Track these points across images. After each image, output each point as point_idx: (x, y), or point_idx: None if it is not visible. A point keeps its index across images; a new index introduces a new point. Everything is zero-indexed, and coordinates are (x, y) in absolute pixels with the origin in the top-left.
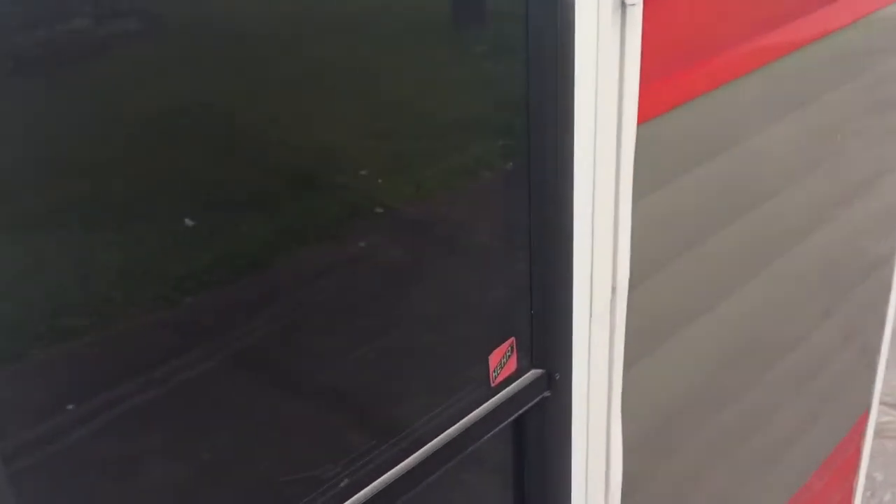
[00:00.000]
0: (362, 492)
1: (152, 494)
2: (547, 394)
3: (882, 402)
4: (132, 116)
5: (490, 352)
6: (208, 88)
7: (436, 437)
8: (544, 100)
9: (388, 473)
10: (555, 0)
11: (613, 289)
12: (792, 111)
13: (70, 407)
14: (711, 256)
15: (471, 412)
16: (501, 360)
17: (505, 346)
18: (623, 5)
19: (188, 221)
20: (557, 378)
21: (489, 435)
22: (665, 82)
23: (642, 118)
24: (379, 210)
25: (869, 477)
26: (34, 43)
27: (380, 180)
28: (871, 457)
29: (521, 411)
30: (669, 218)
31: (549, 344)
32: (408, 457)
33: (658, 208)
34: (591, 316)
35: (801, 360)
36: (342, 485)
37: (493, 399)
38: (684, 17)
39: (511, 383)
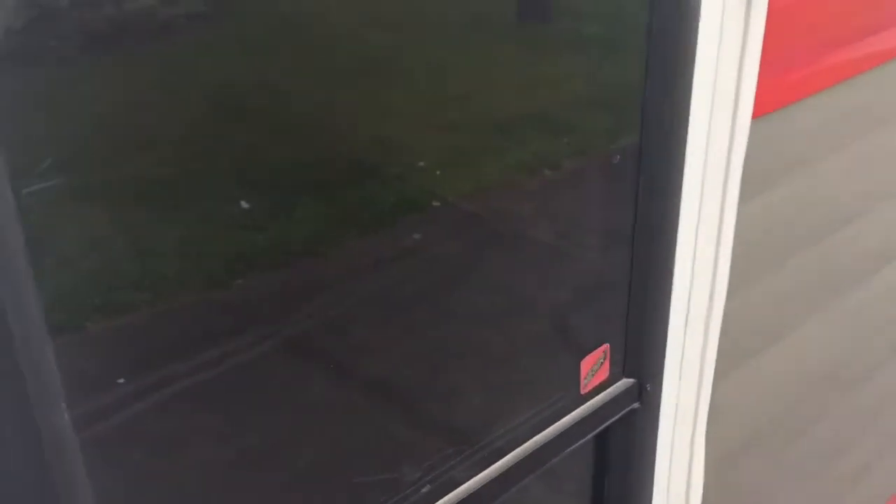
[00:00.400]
0: (444, 498)
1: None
2: (636, 405)
3: None
4: (195, 97)
5: (582, 357)
6: (272, 73)
7: (522, 444)
8: (661, 89)
9: (472, 481)
10: None
11: (711, 296)
12: None
13: (121, 381)
14: (808, 269)
15: (558, 420)
16: (593, 366)
17: (598, 352)
18: None
19: (244, 204)
20: (648, 389)
21: (575, 445)
22: (783, 76)
23: (756, 113)
24: (466, 206)
25: None
26: (101, 19)
27: (447, 172)
28: None
29: (608, 422)
30: (771, 224)
31: (643, 352)
32: (493, 464)
33: (761, 213)
34: (686, 323)
35: (882, 384)
36: (424, 490)
37: (581, 407)
38: (809, 7)
39: (601, 392)
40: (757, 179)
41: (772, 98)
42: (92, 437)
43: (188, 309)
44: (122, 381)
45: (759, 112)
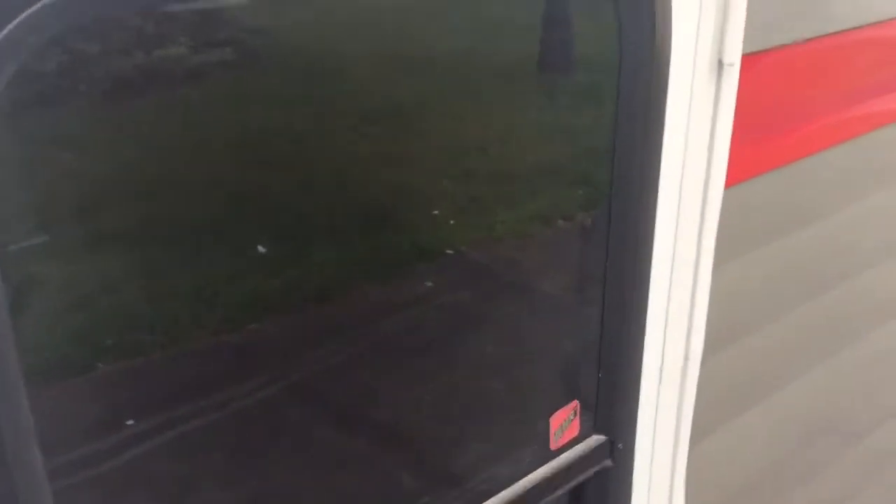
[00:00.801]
0: None
1: None
2: (608, 463)
3: None
4: (217, 142)
5: (551, 412)
6: (292, 121)
7: (490, 497)
8: (630, 156)
9: None
10: (649, 55)
11: (686, 357)
12: (884, 186)
13: (130, 423)
14: (793, 329)
15: (527, 475)
16: (563, 422)
17: (568, 408)
18: (720, 65)
19: (261, 248)
20: (620, 447)
21: (545, 500)
22: (757, 146)
23: (730, 182)
24: (450, 252)
25: None
26: (131, 67)
27: (452, 222)
28: None
29: (579, 479)
30: (752, 286)
31: (614, 410)
32: None
33: (741, 275)
34: (660, 383)
35: (884, 440)
36: None
37: (551, 463)
38: (781, 82)
39: (571, 448)
40: (745, 238)
41: (749, 166)
42: (98, 478)
43: (204, 352)
44: (131, 422)
45: (739, 178)
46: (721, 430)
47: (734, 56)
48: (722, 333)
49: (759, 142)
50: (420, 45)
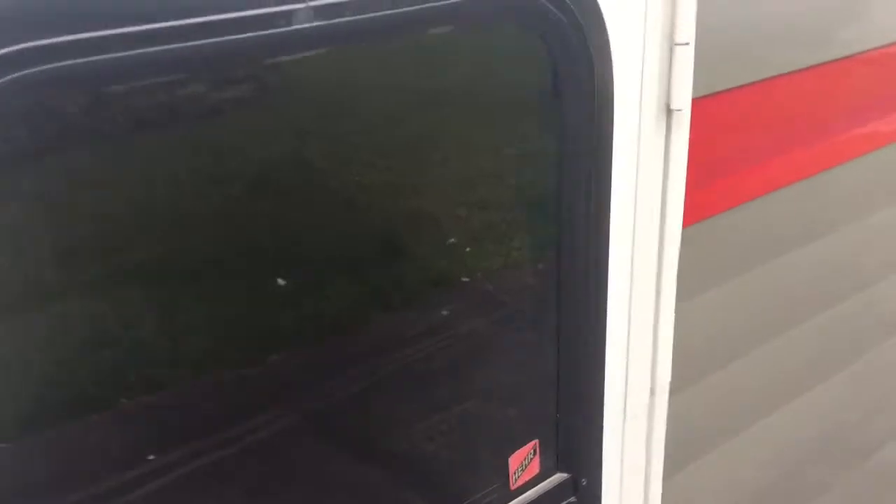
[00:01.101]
0: None
1: None
2: (573, 500)
3: None
4: (235, 177)
5: (511, 452)
6: (309, 154)
7: None
8: (577, 200)
9: None
10: (591, 103)
11: (652, 391)
12: (842, 223)
13: (151, 458)
14: (771, 359)
15: None
16: (523, 462)
17: (527, 448)
18: (668, 110)
19: (280, 281)
20: (584, 484)
21: None
22: (715, 186)
23: (692, 220)
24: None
25: None
26: (153, 104)
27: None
28: None
29: None
30: (724, 319)
31: (575, 447)
32: None
33: (709, 309)
34: (625, 419)
35: (878, 469)
36: None
37: (512, 503)
38: (735, 123)
39: (532, 487)
40: (711, 273)
41: (720, 200)
42: None
43: (223, 384)
44: (152, 457)
45: (710, 212)
46: (700, 462)
47: (683, 102)
48: (693, 367)
49: (717, 181)
50: (433, 78)
